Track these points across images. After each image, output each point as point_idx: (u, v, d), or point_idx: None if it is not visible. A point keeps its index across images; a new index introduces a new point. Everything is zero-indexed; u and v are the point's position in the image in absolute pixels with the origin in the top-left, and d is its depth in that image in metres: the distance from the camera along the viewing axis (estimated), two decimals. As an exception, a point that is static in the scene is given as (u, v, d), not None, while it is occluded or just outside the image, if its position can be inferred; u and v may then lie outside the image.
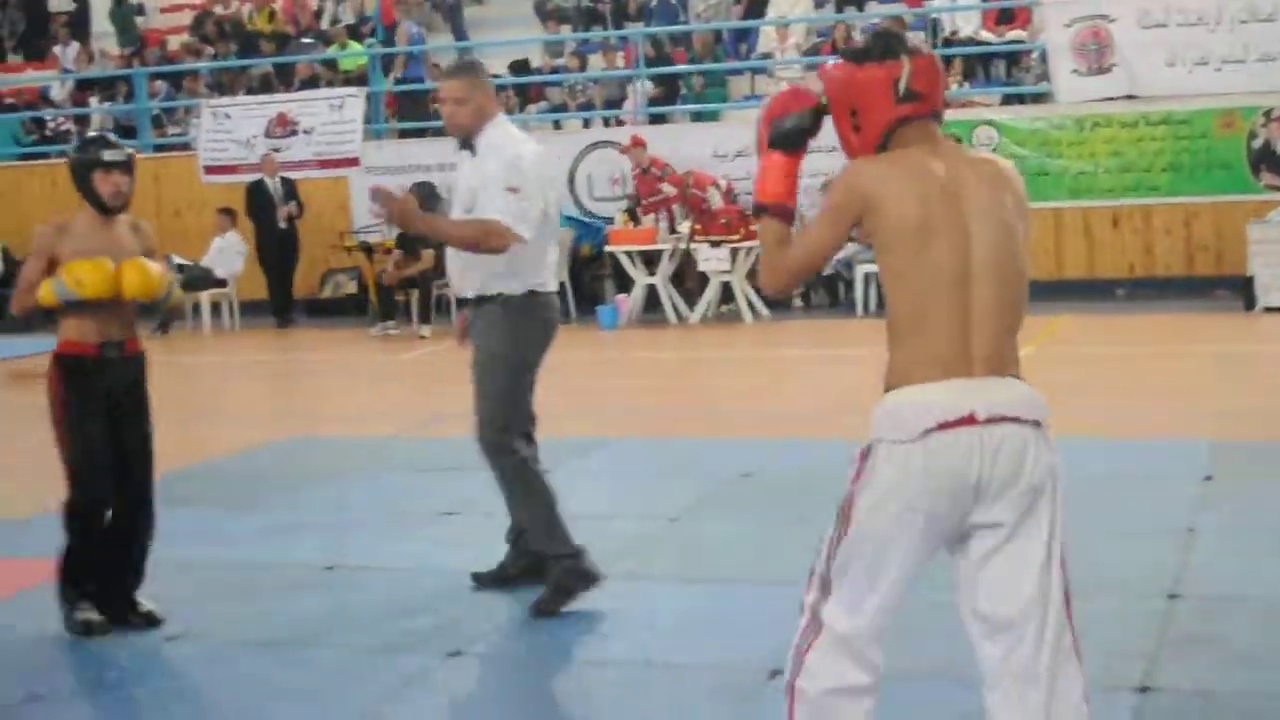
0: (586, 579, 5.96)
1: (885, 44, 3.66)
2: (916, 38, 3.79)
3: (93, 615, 5.90)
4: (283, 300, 18.17)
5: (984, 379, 3.50)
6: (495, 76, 20.08)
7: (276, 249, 18.08)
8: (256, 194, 18.02)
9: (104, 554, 6.10)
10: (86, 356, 5.99)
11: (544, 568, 6.07)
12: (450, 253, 6.17)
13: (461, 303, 6.57)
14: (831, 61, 3.79)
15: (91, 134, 6.09)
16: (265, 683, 5.46)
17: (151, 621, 6.05)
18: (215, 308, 18.06)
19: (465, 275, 6.11)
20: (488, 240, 5.81)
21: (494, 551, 6.40)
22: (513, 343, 5.97)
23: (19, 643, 6.07)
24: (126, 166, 5.99)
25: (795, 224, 3.85)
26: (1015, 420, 3.51)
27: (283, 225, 17.98)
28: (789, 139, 3.80)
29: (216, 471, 9.36)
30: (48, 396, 6.05)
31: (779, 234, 3.77)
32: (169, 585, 6.74)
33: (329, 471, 9.08)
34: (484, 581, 6.32)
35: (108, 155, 5.96)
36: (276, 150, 18.40)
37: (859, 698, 3.66)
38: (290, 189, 18.10)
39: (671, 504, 7.69)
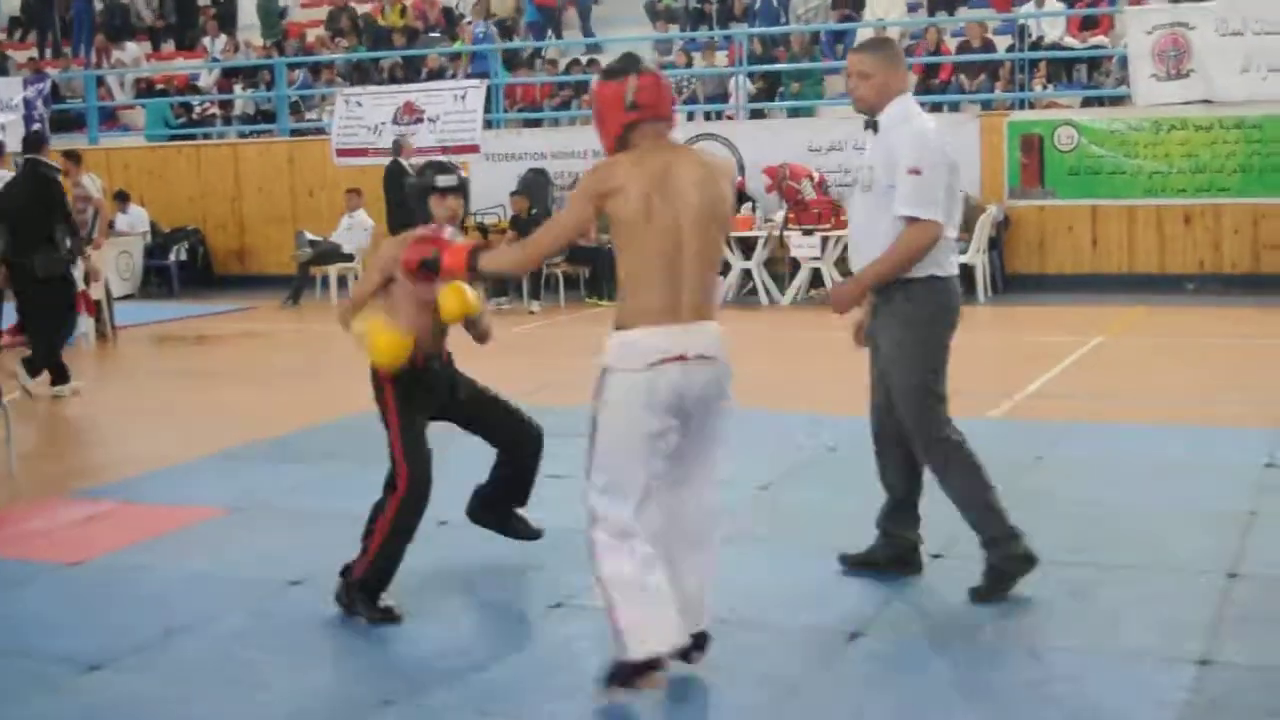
0: (1027, 561, 5.51)
1: (622, 65, 4.51)
2: (649, 61, 4.61)
3: (392, 603, 5.60)
4: None
5: (690, 324, 4.45)
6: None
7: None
8: (393, 175, 17.17)
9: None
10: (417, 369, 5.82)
11: (911, 558, 5.83)
12: (855, 234, 5.65)
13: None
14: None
15: (431, 159, 5.98)
16: (379, 627, 5.50)
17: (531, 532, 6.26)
18: (342, 280, 18.22)
19: (865, 251, 5.54)
20: (912, 251, 5.33)
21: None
22: (914, 329, 5.50)
23: (159, 581, 6.17)
24: (460, 190, 5.82)
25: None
26: (710, 359, 4.48)
27: None
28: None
29: (340, 430, 9.43)
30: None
31: (503, 249, 4.99)
32: (294, 536, 6.85)
33: (444, 434, 9.11)
34: (852, 564, 5.93)
35: (442, 181, 5.79)
36: (405, 136, 18.49)
37: (643, 569, 4.48)
38: None
39: (761, 473, 7.67)
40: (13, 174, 13.79)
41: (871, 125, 5.54)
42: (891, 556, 5.86)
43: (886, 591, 5.69)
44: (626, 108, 4.49)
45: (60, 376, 11.28)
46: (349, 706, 4.68)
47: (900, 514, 5.88)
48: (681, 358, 4.43)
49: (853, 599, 5.62)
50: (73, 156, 14.70)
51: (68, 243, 11.30)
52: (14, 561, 6.58)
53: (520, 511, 6.29)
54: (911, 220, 5.31)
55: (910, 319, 5.48)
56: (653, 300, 4.45)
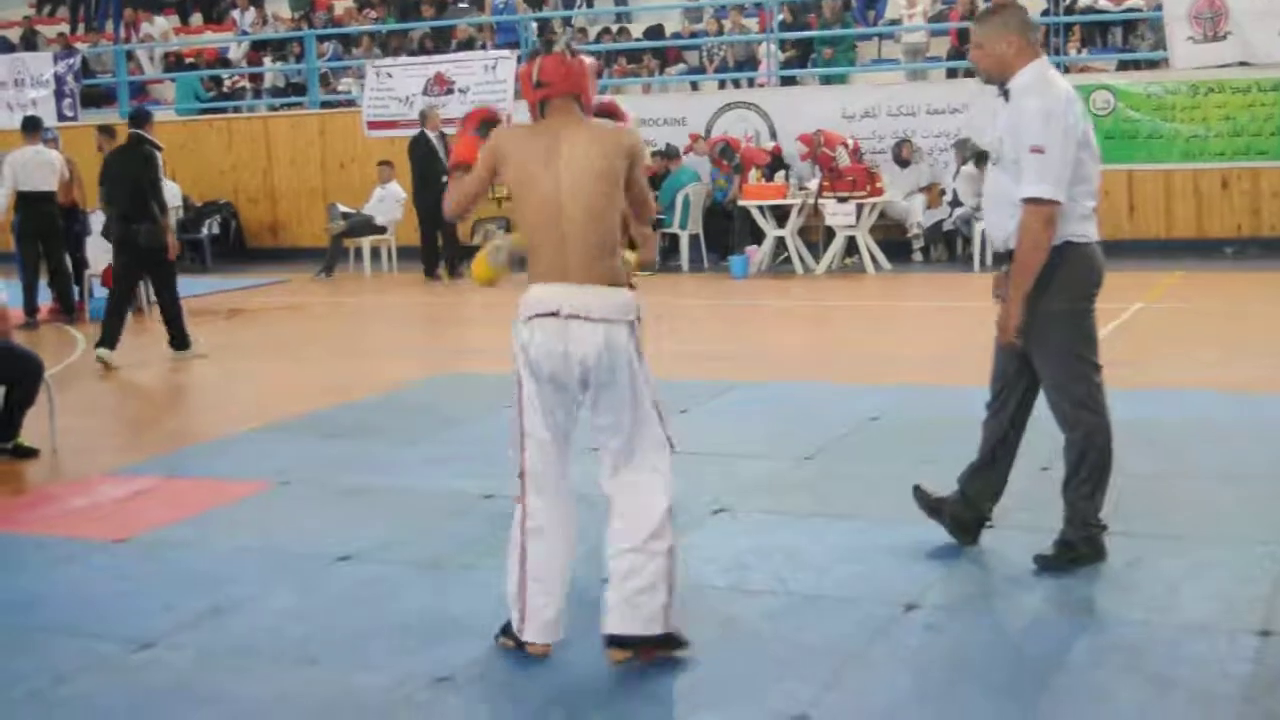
0: (1098, 554, 5.46)
1: (536, 48, 4.83)
2: (563, 40, 4.87)
3: None
4: (432, 254, 17.20)
5: (571, 285, 4.60)
6: (631, 41, 20.06)
7: (435, 202, 17.06)
8: (418, 147, 17.31)
9: None
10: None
11: (971, 527, 5.75)
12: (987, 204, 5.61)
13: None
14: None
15: None
16: (433, 602, 5.48)
17: None
18: (375, 252, 18.20)
19: (996, 222, 5.48)
20: (1034, 237, 5.20)
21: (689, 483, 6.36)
22: (1052, 297, 5.33)
23: (206, 557, 6.15)
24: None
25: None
26: (586, 318, 4.57)
27: (445, 179, 17.38)
28: (483, 130, 5.00)
29: (379, 405, 9.41)
30: None
31: (461, 180, 4.96)
32: (339, 510, 6.82)
33: (482, 406, 9.08)
34: (920, 498, 5.87)
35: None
36: (434, 107, 18.41)
37: (542, 533, 4.74)
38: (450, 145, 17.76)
39: (804, 444, 7.61)
40: (32, 147, 13.96)
41: (1003, 93, 5.39)
42: (956, 517, 5.78)
43: (941, 561, 5.63)
44: (535, 85, 4.76)
45: (110, 341, 11.58)
46: (403, 683, 4.64)
47: (983, 482, 5.78)
48: (554, 314, 4.60)
49: (907, 570, 5.57)
50: (107, 131, 14.72)
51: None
52: (60, 539, 6.57)
53: None
54: (1031, 201, 5.19)
55: (1047, 288, 5.32)
56: (539, 263, 4.70)
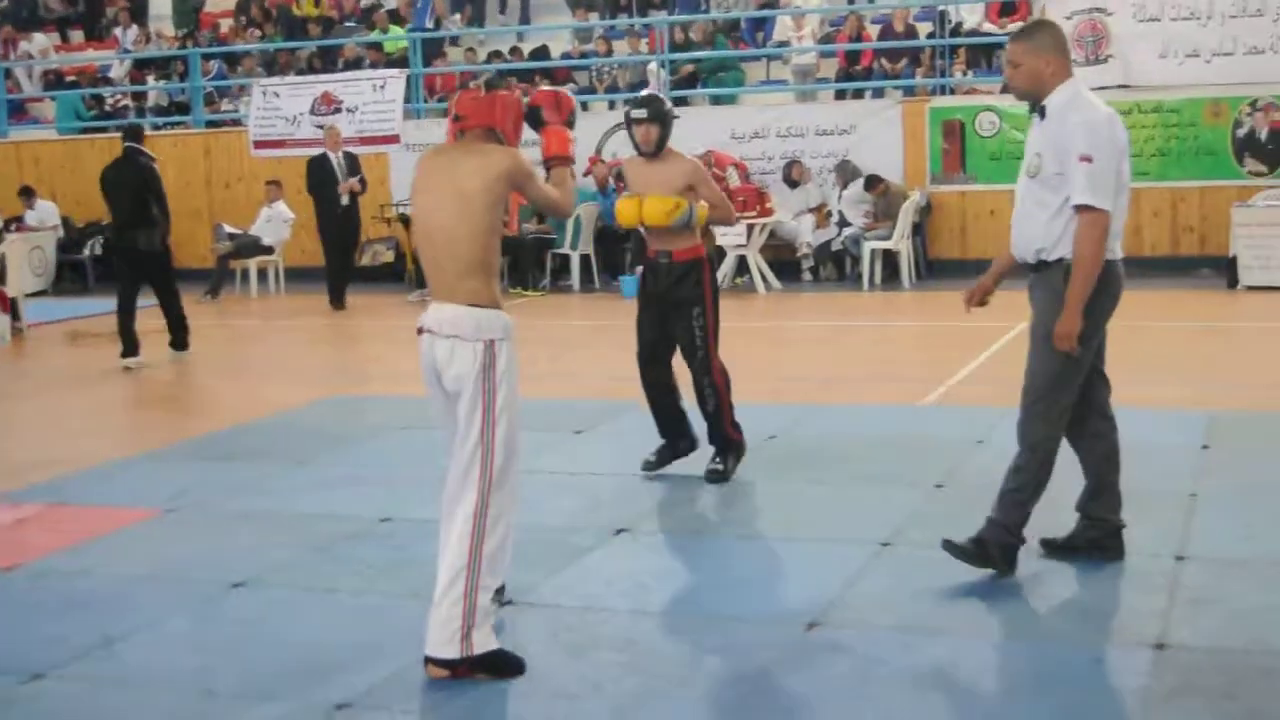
0: (1007, 564, 5.54)
1: (459, 88, 5.18)
2: (482, 78, 5.22)
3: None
4: (340, 278, 16.47)
5: (438, 304, 4.86)
6: (522, 61, 20.06)
7: (338, 224, 16.56)
8: (318, 169, 16.61)
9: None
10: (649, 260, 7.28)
11: (1110, 543, 5.74)
12: (1019, 216, 5.56)
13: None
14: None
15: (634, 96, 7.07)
16: (331, 628, 5.41)
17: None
18: (262, 274, 18.00)
19: (1030, 238, 5.49)
20: (1093, 244, 5.27)
21: (552, 506, 6.36)
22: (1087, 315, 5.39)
23: (96, 585, 6.03)
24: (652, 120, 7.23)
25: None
26: (433, 333, 4.83)
27: (345, 201, 16.52)
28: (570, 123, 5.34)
29: (269, 428, 9.30)
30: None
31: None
32: (232, 536, 6.71)
33: (374, 429, 9.02)
34: (1051, 550, 5.80)
35: (634, 113, 7.30)
36: (321, 127, 18.25)
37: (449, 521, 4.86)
38: (354, 164, 16.85)
39: (700, 465, 7.61)
40: None
41: (1038, 110, 5.46)
42: (1093, 540, 5.77)
43: (841, 579, 5.66)
44: (454, 119, 5.08)
45: (131, 350, 12.41)
46: (302, 711, 4.57)
47: (1100, 497, 5.81)
48: (420, 330, 4.91)
49: (808, 588, 5.59)
50: None
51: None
52: (-59, 568, 6.41)
53: None
54: (1085, 209, 5.26)
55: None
56: (429, 280, 5.01)
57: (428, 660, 4.79)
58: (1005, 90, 17.25)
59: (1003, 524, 5.54)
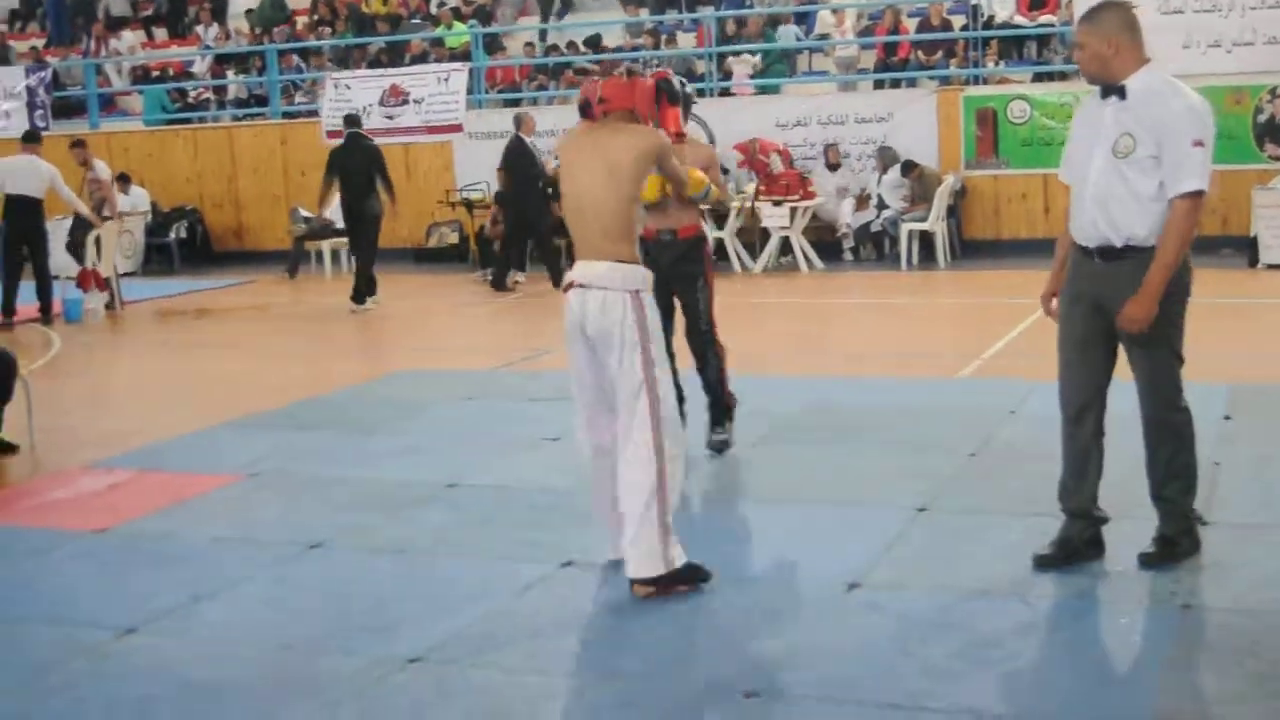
0: (1196, 546, 5.26)
1: (603, 71, 5.71)
2: (640, 70, 5.27)
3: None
4: (505, 263, 15.64)
5: (586, 262, 5.16)
6: (578, 54, 20.04)
7: (536, 204, 15.48)
8: (518, 153, 15.60)
9: None
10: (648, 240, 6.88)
11: (1096, 538, 5.33)
12: (1101, 199, 5.07)
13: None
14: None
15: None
16: (402, 586, 5.43)
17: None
18: (335, 255, 18.05)
19: (1115, 221, 5.09)
20: (1189, 227, 4.96)
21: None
22: (1168, 298, 5.07)
23: (183, 546, 6.07)
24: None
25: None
26: (590, 287, 5.11)
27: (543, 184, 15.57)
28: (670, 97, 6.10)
29: (342, 400, 9.33)
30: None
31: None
32: (308, 501, 6.74)
33: (441, 400, 9.03)
34: (1042, 563, 5.34)
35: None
36: (390, 118, 18.25)
37: (601, 456, 5.25)
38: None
39: (746, 434, 7.57)
40: (25, 156, 14.04)
41: (1115, 92, 5.06)
42: (1090, 539, 5.36)
43: (882, 543, 5.62)
44: (597, 102, 5.31)
45: (371, 292, 14.40)
46: (375, 665, 4.59)
47: (1083, 489, 5.34)
48: (570, 285, 5.19)
49: (849, 551, 5.55)
50: (80, 144, 14.65)
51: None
52: (40, 530, 6.47)
53: None
54: (1193, 195, 4.90)
55: (1169, 290, 5.07)
56: (575, 243, 5.29)
57: (633, 582, 5.05)
58: (1036, 80, 17.14)
59: (1178, 513, 5.26)
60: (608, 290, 5.10)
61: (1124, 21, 5.11)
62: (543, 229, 15.45)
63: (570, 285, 5.19)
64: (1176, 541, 5.25)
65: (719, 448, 7.24)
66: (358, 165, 14.41)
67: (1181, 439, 5.22)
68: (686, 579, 5.09)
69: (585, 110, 5.38)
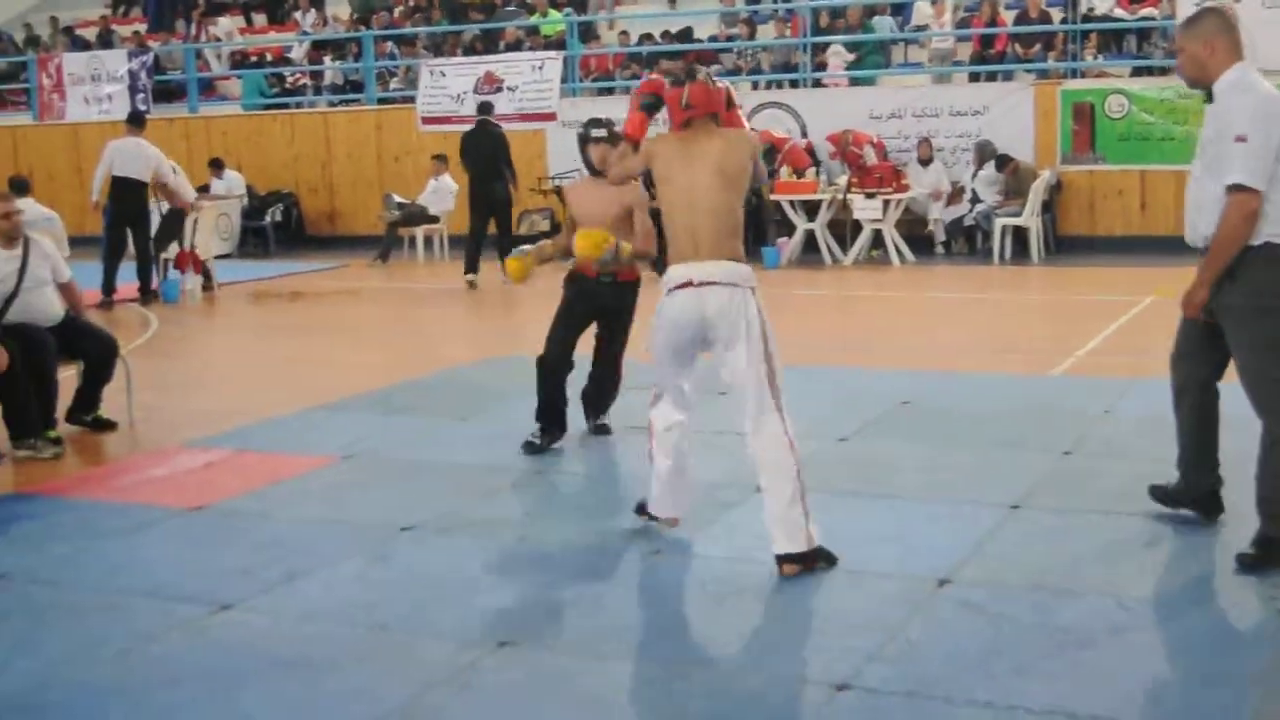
0: None
1: (681, 76, 5.53)
2: (706, 71, 5.60)
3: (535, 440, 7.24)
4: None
5: (702, 262, 5.32)
6: (670, 43, 20.01)
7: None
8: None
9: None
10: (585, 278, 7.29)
11: (1211, 504, 5.56)
12: (1190, 205, 5.25)
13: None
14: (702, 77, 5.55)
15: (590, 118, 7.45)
16: (493, 570, 5.47)
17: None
18: (428, 241, 18.19)
19: (1196, 223, 5.22)
20: (1234, 224, 4.97)
21: (701, 464, 6.38)
22: (1254, 299, 5.08)
23: (278, 526, 6.15)
24: (607, 140, 7.26)
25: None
26: (715, 283, 5.29)
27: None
28: (650, 108, 5.79)
29: (435, 384, 9.40)
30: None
31: (630, 157, 5.88)
32: (402, 483, 6.80)
33: (531, 386, 9.05)
34: (1159, 494, 5.74)
35: (594, 132, 7.38)
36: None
37: (675, 429, 5.59)
38: None
39: (839, 427, 7.56)
40: (133, 138, 14.29)
41: (1207, 95, 5.18)
42: (1195, 499, 5.62)
43: (973, 539, 5.58)
44: (684, 107, 5.49)
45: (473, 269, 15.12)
46: (467, 647, 4.62)
47: (1202, 461, 5.57)
48: (688, 284, 5.32)
49: (941, 547, 5.51)
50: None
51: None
52: (139, 506, 6.58)
53: None
54: (1236, 189, 4.95)
55: (1250, 290, 5.08)
56: (676, 246, 5.42)
57: (782, 560, 5.20)
58: (1135, 74, 16.89)
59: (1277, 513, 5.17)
60: (735, 286, 5.30)
61: (1222, 24, 5.17)
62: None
63: (686, 284, 5.32)
64: (1275, 541, 5.16)
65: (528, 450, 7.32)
66: (486, 150, 15.38)
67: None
68: (825, 557, 5.28)
69: (653, 109, 5.74)
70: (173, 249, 14.95)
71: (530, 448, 7.22)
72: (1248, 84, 5.06)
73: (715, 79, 5.61)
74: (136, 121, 15.09)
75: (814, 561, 5.24)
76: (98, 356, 8.27)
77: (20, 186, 13.90)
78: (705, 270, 5.32)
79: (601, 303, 7.37)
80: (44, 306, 8.11)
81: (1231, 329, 5.20)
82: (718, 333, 5.33)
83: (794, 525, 5.20)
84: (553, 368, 7.31)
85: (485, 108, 16.22)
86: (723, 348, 5.35)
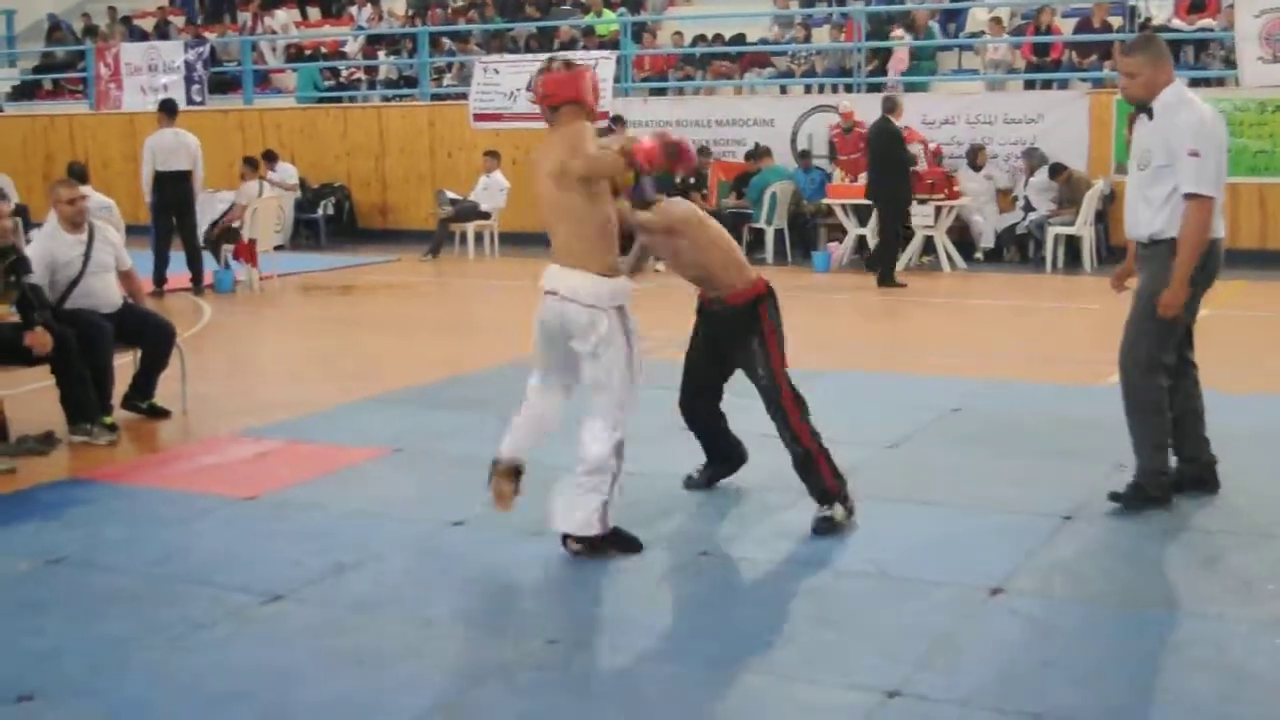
0: (1159, 501, 5.95)
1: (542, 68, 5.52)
2: (562, 60, 5.57)
3: None
4: (891, 253, 15.10)
5: (553, 266, 5.38)
6: (723, 45, 19.99)
7: (898, 192, 15.13)
8: (881, 135, 15.05)
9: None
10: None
11: (1208, 477, 6.18)
12: (1130, 202, 6.05)
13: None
14: None
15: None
16: (542, 568, 5.47)
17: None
18: (479, 237, 18.23)
19: (1138, 221, 5.97)
20: (1200, 227, 5.73)
21: (749, 466, 6.37)
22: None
23: (328, 517, 6.17)
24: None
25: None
26: (557, 294, 5.33)
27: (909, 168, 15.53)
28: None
29: (485, 379, 9.41)
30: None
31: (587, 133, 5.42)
32: (451, 478, 6.81)
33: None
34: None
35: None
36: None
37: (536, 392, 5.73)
38: None
39: (889, 432, 7.53)
40: (170, 130, 14.28)
41: (1146, 111, 5.88)
42: (1194, 476, 6.19)
43: (1023, 548, 5.54)
44: (537, 99, 5.52)
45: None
46: (516, 644, 4.63)
47: (1192, 437, 6.21)
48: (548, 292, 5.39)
49: (991, 555, 5.48)
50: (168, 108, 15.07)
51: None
52: (191, 494, 6.63)
53: None
54: (1193, 197, 5.69)
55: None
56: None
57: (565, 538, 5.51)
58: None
59: (1148, 468, 5.96)
60: (572, 303, 5.38)
61: (1166, 49, 5.97)
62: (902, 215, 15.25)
63: (546, 293, 5.41)
64: (1147, 489, 5.87)
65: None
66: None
67: (1138, 408, 6.06)
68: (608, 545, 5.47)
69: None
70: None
71: (687, 482, 6.55)
72: (1187, 100, 5.82)
73: (573, 63, 5.56)
74: (170, 110, 14.95)
75: (596, 548, 5.42)
76: (155, 343, 8.34)
77: (79, 174, 14.00)
78: (551, 278, 5.39)
79: (712, 331, 6.39)
80: (105, 292, 8.20)
81: (1140, 306, 5.99)
82: (574, 341, 5.38)
83: (582, 508, 5.36)
84: (682, 409, 6.58)
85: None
86: (580, 346, 5.38)
